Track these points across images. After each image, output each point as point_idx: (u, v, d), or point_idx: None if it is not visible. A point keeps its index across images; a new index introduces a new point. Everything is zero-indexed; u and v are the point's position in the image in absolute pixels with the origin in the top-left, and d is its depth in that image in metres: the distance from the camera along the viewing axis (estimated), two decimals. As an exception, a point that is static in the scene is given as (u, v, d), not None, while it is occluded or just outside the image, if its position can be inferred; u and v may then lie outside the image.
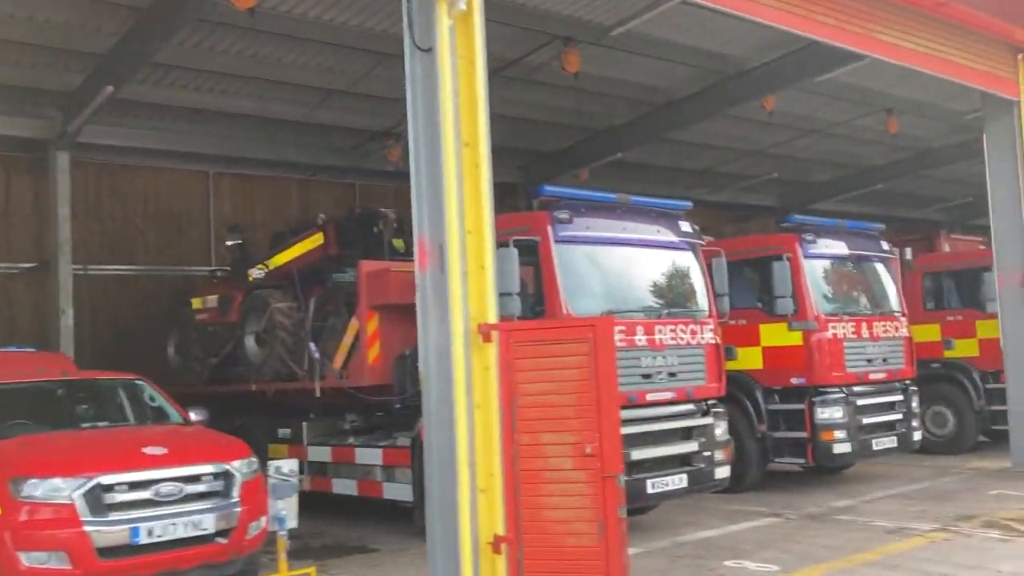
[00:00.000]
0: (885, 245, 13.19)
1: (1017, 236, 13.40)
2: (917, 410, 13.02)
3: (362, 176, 19.73)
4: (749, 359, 12.31)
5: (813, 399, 11.76)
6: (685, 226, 10.31)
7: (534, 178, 20.25)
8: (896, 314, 12.91)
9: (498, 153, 19.22)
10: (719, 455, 10.05)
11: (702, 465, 9.81)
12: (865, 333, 12.27)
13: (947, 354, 15.53)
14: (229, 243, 13.65)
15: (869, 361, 12.30)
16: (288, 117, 16.04)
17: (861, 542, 8.95)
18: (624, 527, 6.82)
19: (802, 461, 11.83)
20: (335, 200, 19.81)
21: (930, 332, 15.73)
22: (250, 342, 12.55)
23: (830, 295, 12.31)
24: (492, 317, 7.25)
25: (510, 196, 20.67)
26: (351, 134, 17.33)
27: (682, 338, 9.79)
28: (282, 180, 19.03)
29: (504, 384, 7.10)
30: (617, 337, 8.97)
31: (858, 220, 15.68)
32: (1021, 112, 13.45)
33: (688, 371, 9.80)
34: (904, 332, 12.93)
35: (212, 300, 13.63)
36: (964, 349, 15.32)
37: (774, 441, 12.01)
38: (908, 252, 17.30)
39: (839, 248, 12.51)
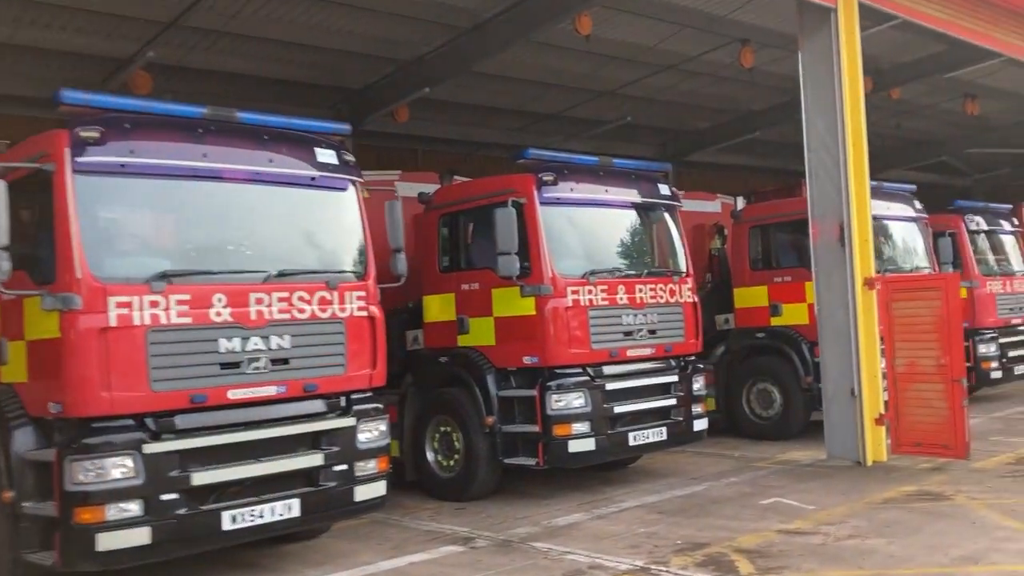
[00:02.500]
0: (665, 189, 10.37)
1: (835, 179, 10.66)
2: (702, 392, 10.33)
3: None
4: (482, 333, 9.55)
5: (547, 383, 9.02)
6: (327, 155, 7.41)
7: (346, 119, 17.28)
8: (675, 275, 10.14)
9: (306, 92, 16.43)
10: (367, 467, 7.27)
11: (331, 484, 7.02)
12: (623, 299, 9.50)
13: (774, 321, 12.81)
14: None
15: (629, 334, 9.55)
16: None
17: (509, 596, 6.26)
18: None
19: (533, 462, 9.09)
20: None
21: (757, 296, 13.06)
22: None
23: (576, 252, 9.52)
24: None
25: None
26: (95, 64, 14.30)
27: (303, 310, 6.95)
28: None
29: None
30: (175, 310, 6.21)
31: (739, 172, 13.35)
32: (839, 23, 10.64)
33: (310, 357, 6.99)
34: (686, 297, 10.18)
35: None
36: (792, 315, 12.56)
37: (504, 436, 9.26)
38: (739, 202, 14.64)
39: (593, 192, 9.67)
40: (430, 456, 9.84)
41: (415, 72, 15.87)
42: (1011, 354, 15.34)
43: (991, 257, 15.95)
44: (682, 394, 9.95)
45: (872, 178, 15.18)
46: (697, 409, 10.13)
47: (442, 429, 9.74)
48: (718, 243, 14.41)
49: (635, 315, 9.57)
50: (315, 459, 6.94)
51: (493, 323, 9.40)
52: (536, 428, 8.98)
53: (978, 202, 17.08)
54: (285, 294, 6.84)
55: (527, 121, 20.13)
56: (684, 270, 10.30)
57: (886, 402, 10.47)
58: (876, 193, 13.13)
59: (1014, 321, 15.70)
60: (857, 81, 10.70)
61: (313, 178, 7.35)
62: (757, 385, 12.97)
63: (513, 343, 9.23)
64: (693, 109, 20.91)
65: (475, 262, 9.63)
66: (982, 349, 14.84)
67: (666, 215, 10.41)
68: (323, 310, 7.05)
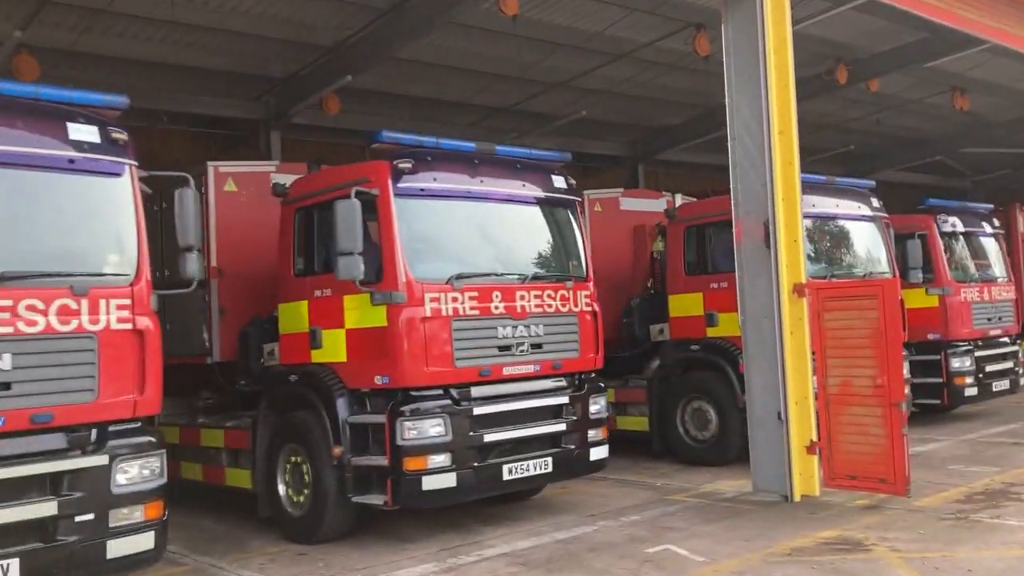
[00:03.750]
0: (560, 181, 8.90)
1: (760, 170, 9.17)
2: (601, 415, 8.83)
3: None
4: (334, 347, 8.12)
5: (398, 408, 7.58)
6: (86, 133, 5.97)
7: (272, 111, 16.01)
8: (570, 280, 8.67)
9: (226, 81, 15.06)
10: (128, 516, 5.84)
11: (72, 538, 5.60)
12: (500, 307, 8.04)
13: (710, 332, 11.31)
14: None
15: (506, 349, 8.09)
16: None
17: None
18: None
19: (381, 501, 7.63)
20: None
21: (692, 304, 11.57)
22: None
23: (443, 252, 8.07)
24: None
25: (252, 136, 16.53)
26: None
27: (33, 322, 5.55)
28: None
29: None
30: None
31: (716, 172, 12.09)
32: (764, -6, 9.13)
33: (43, 380, 5.59)
34: (584, 306, 8.71)
35: None
36: (729, 326, 10.85)
37: (356, 470, 7.80)
38: (677, 199, 13.19)
39: (464, 182, 8.21)
40: (281, 490, 8.43)
41: (337, 59, 14.57)
42: (988, 369, 13.78)
43: (968, 262, 14.35)
44: (575, 418, 8.48)
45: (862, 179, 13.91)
46: (595, 435, 8.65)
47: (292, 459, 8.32)
48: (660, 245, 12.94)
49: (515, 327, 8.10)
50: (47, 508, 5.53)
51: (345, 336, 7.98)
52: (384, 461, 7.53)
53: (952, 201, 15.47)
54: (7, 302, 5.44)
55: (478, 116, 18.77)
56: (583, 275, 8.83)
57: (819, 427, 8.96)
58: (827, 189, 11.73)
59: (992, 332, 14.12)
60: (786, 57, 9.19)
61: (71, 160, 5.95)
62: (692, 404, 11.49)
63: (366, 360, 7.80)
64: (659, 103, 19.44)
65: (329, 264, 8.18)
66: (955, 363, 13.31)
67: (563, 211, 8.94)
68: (64, 322, 5.65)
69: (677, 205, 12.68)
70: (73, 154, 5.91)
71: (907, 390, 9.91)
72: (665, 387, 11.74)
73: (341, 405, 7.83)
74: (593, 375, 8.84)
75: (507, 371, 8.03)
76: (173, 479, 10.07)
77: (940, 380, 13.35)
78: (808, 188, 11.40)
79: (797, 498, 8.79)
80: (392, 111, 17.47)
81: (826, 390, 8.85)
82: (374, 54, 14.05)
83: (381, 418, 7.57)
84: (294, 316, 8.44)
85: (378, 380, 7.66)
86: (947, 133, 23.59)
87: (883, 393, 8.40)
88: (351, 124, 16.96)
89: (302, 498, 8.20)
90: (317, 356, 8.21)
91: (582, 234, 8.98)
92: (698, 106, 19.73)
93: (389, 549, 7.78)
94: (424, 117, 18.01)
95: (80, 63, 13.93)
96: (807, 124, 19.86)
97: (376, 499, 7.62)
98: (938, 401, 13.30)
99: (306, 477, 8.13)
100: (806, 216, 10.99)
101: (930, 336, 13.23)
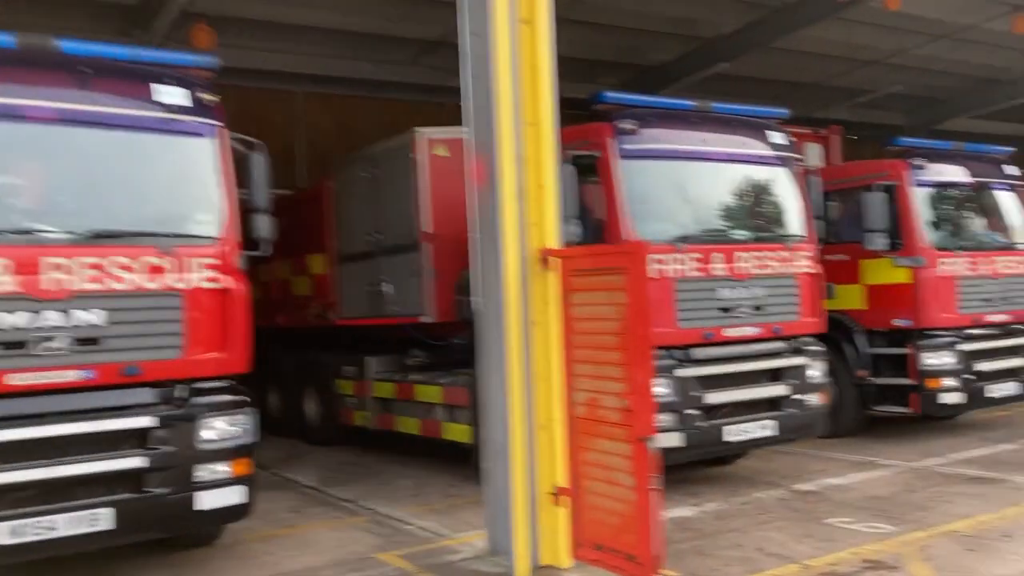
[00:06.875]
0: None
1: (486, 80, 5.58)
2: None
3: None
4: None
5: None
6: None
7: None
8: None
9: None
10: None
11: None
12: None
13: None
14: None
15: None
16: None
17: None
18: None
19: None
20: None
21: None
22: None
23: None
24: None
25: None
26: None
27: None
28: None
29: None
30: None
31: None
32: None
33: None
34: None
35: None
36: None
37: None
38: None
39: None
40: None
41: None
42: (980, 367, 9.55)
43: (965, 223, 9.88)
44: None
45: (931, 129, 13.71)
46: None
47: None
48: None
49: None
50: None
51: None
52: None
53: (940, 141, 10.44)
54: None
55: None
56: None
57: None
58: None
59: (992, 318, 9.59)
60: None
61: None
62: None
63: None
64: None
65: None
66: (929, 360, 9.32)
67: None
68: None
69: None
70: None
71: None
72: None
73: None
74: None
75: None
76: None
77: (911, 382, 9.37)
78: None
79: (523, 573, 5.64)
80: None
81: (573, 409, 5.76)
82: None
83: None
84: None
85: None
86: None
87: (631, 420, 5.22)
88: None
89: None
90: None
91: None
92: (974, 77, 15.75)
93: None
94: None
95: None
96: (830, 59, 14.46)
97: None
98: (907, 410, 9.41)
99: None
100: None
101: (896, 322, 9.40)
